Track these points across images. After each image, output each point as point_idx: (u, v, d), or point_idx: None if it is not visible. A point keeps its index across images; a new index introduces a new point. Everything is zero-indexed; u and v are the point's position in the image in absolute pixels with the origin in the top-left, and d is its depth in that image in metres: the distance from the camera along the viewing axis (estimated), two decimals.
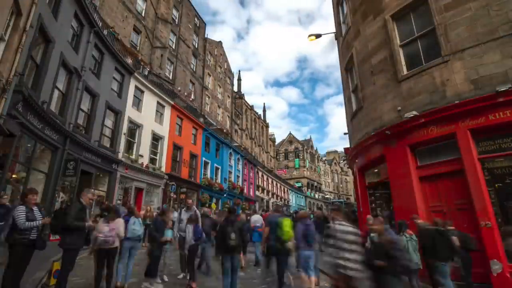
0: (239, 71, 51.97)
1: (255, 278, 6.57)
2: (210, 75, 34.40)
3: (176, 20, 28.28)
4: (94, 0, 15.61)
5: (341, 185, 79.14)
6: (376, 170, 8.72)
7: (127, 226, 5.23)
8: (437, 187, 6.34)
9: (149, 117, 17.63)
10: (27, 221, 4.10)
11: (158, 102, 18.64)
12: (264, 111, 56.36)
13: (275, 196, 41.98)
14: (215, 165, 25.87)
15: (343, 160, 58.61)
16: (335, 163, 78.23)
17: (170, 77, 25.91)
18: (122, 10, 20.51)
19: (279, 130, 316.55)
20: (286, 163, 63.03)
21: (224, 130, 32.54)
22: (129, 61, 16.24)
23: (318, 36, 11.21)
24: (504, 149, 5.46)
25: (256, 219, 8.58)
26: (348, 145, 11.59)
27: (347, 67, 10.27)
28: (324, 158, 76.98)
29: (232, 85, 42.12)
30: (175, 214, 8.25)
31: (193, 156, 22.32)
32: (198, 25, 33.20)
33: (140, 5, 23.41)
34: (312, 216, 11.78)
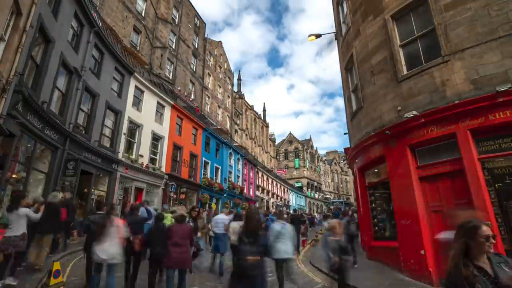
0: (239, 71, 51.92)
1: None
2: (210, 75, 34.41)
3: (176, 20, 28.29)
4: (94, 0, 15.60)
5: (341, 185, 79.14)
6: (376, 170, 8.71)
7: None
8: (437, 187, 6.34)
9: (149, 117, 17.63)
10: None
11: (158, 102, 18.64)
12: (264, 111, 56.36)
13: (275, 196, 41.98)
14: (215, 165, 25.88)
15: (343, 160, 58.58)
16: (335, 163, 78.23)
17: (170, 77, 25.91)
18: (122, 10, 20.51)
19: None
20: (286, 163, 63.03)
21: (224, 129, 32.53)
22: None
23: (318, 36, 11.22)
24: (504, 149, 5.45)
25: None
26: (348, 145, 11.59)
27: (347, 67, 10.27)
28: (324, 158, 76.99)
29: (232, 85, 42.12)
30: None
31: (193, 156, 22.32)
32: (198, 25, 33.20)
33: (140, 5, 23.41)
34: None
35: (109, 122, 14.51)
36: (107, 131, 14.36)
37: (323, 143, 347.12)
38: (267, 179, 40.49)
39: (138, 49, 22.12)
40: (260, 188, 37.11)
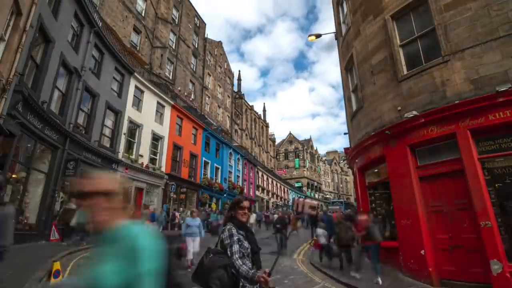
0: (239, 71, 51.92)
1: None
2: (210, 75, 34.40)
3: (176, 20, 28.28)
4: (94, 0, 15.60)
5: (341, 185, 79.13)
6: (376, 170, 8.71)
7: None
8: (437, 187, 6.34)
9: (149, 117, 17.63)
10: None
11: (158, 102, 18.64)
12: (264, 111, 56.33)
13: (275, 196, 41.98)
14: (215, 165, 25.87)
15: (343, 160, 58.55)
16: (335, 163, 78.22)
17: (170, 77, 25.91)
18: (122, 10, 20.50)
19: None
20: (286, 163, 63.03)
21: (224, 129, 32.52)
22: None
23: (318, 36, 11.21)
24: (504, 149, 5.45)
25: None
26: (347, 145, 11.59)
27: (347, 67, 10.26)
28: (324, 158, 76.98)
29: (232, 85, 42.11)
30: None
31: (193, 156, 22.32)
32: (198, 25, 33.20)
33: (140, 5, 23.40)
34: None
35: (109, 122, 14.51)
36: (107, 131, 14.36)
37: (337, 143, 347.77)
38: (267, 179, 40.50)
39: (138, 49, 22.11)
40: (260, 188, 37.12)
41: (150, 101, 17.88)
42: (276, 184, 43.44)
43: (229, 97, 39.28)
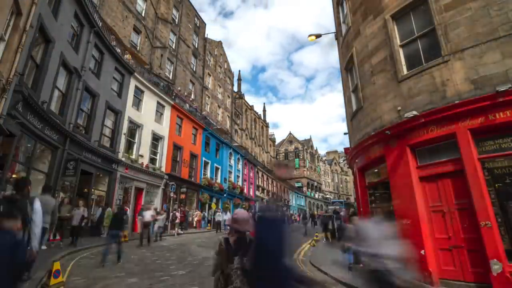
0: (239, 71, 51.88)
1: None
2: (210, 75, 34.41)
3: (176, 20, 28.28)
4: (94, 0, 15.60)
5: (341, 185, 79.14)
6: (376, 170, 8.71)
7: None
8: (437, 187, 6.34)
9: (149, 117, 17.64)
10: None
11: (158, 102, 18.64)
12: (264, 111, 56.33)
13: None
14: (215, 165, 25.88)
15: (343, 160, 58.53)
16: (335, 163, 78.22)
17: (170, 77, 25.91)
18: (122, 10, 20.51)
19: None
20: (286, 163, 62.98)
21: (224, 129, 32.52)
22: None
23: (318, 36, 11.22)
24: (504, 149, 5.45)
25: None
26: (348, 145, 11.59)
27: (347, 67, 10.26)
28: (324, 158, 76.97)
29: (232, 85, 42.11)
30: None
31: (193, 156, 22.32)
32: (198, 25, 33.20)
33: (140, 5, 23.41)
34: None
35: (109, 122, 14.51)
36: (107, 131, 14.37)
37: None
38: (267, 179, 40.50)
39: (138, 49, 22.11)
40: (260, 188, 37.11)
41: (150, 101, 17.89)
42: (276, 184, 43.43)
43: (229, 97, 39.28)
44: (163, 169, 18.23)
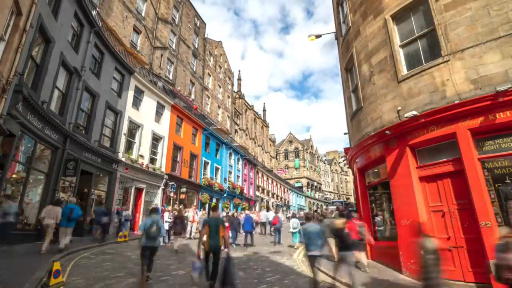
0: (239, 71, 51.87)
1: None
2: (210, 75, 34.41)
3: (176, 20, 28.28)
4: (94, 0, 15.60)
5: (341, 185, 79.13)
6: (376, 170, 8.71)
7: None
8: (437, 187, 6.34)
9: (149, 117, 17.63)
10: None
11: (158, 102, 18.64)
12: (264, 111, 56.32)
13: (275, 196, 41.98)
14: (215, 165, 25.87)
15: (343, 160, 58.56)
16: (335, 163, 78.22)
17: (170, 77, 25.91)
18: (122, 10, 20.51)
19: None
20: (286, 163, 63.01)
21: (224, 129, 32.52)
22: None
23: (318, 36, 11.21)
24: (504, 149, 5.45)
25: None
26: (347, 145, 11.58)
27: (347, 67, 10.26)
28: (324, 158, 76.96)
29: (232, 85, 42.11)
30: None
31: (193, 156, 22.32)
32: (198, 25, 33.20)
33: (140, 5, 23.40)
34: None
35: (109, 122, 14.51)
36: (107, 131, 14.36)
37: None
38: (267, 179, 40.50)
39: (138, 49, 22.11)
40: (260, 188, 37.12)
41: (150, 101, 17.89)
42: (276, 184, 43.45)
43: (229, 97, 39.27)
44: (163, 169, 18.22)
